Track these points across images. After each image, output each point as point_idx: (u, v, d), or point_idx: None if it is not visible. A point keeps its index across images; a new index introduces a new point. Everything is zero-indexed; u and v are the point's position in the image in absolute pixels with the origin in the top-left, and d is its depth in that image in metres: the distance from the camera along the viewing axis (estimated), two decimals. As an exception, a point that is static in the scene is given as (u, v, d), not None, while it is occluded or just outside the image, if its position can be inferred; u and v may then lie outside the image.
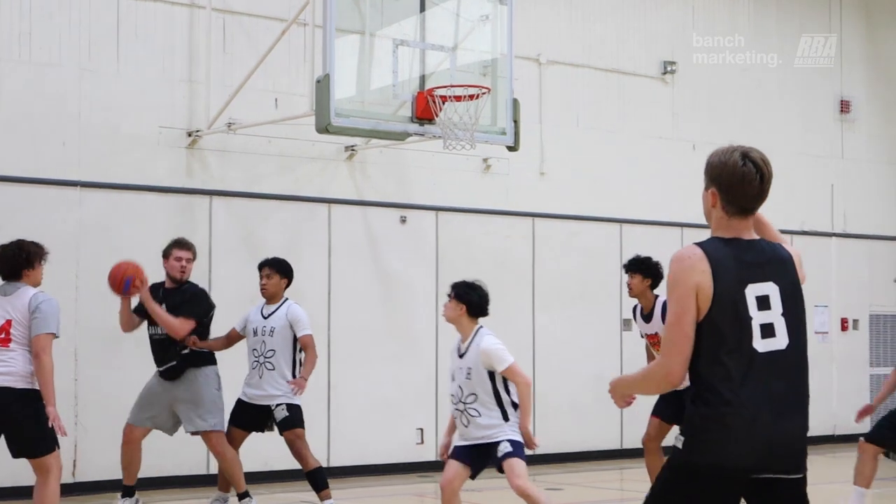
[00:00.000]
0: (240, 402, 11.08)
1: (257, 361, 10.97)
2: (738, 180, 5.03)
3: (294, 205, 14.04)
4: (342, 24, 12.14)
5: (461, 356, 8.95)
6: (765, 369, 4.81)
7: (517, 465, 8.76)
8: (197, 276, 13.22)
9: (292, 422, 10.90)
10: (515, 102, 12.94)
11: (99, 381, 12.66)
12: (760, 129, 18.15)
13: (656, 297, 11.14)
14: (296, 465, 11.48)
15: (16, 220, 12.32)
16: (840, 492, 11.85)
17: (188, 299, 10.93)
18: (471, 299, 9.06)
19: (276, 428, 11.03)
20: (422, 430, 14.69)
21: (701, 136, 17.54)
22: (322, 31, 11.80)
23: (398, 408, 14.50)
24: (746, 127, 17.98)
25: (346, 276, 14.24)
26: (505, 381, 8.85)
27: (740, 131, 17.88)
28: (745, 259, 4.93)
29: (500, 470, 8.89)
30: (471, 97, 12.15)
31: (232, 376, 11.28)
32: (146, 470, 12.82)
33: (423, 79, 12.54)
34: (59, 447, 9.00)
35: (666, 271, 5.21)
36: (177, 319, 10.71)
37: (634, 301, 11.44)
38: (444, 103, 12.17)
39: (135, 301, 10.99)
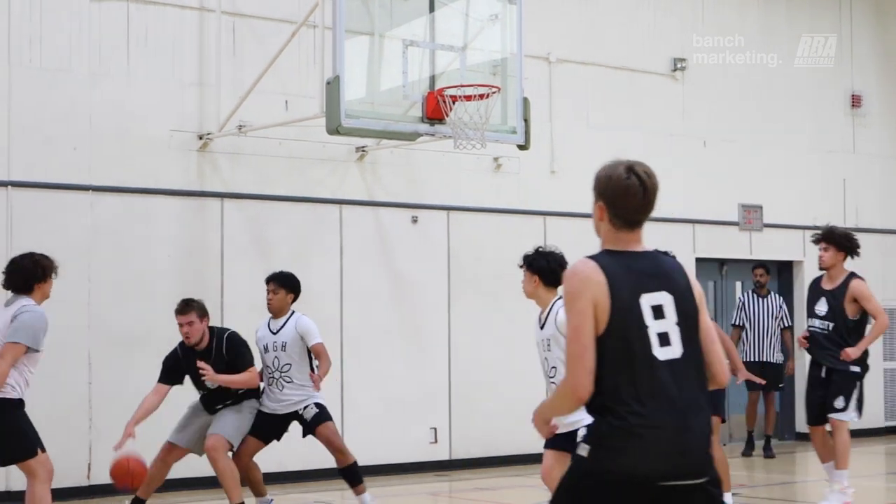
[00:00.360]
0: (260, 414, 10.96)
1: (273, 377, 10.92)
2: (622, 193, 5.12)
3: (305, 206, 14.05)
4: (352, 26, 12.14)
5: (541, 328, 8.65)
6: (666, 377, 4.87)
7: None
8: (209, 278, 13.29)
9: (325, 416, 10.89)
10: (526, 101, 12.94)
11: (112, 384, 12.68)
12: (771, 124, 18.14)
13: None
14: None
15: (28, 225, 12.36)
16: (858, 486, 11.81)
17: (232, 356, 10.72)
18: (541, 266, 8.77)
19: (308, 429, 10.94)
20: (435, 429, 14.70)
21: (711, 133, 17.54)
22: (332, 32, 11.81)
23: (411, 407, 14.51)
24: (756, 123, 17.98)
25: (358, 276, 14.25)
26: None
27: (750, 127, 17.89)
28: (637, 269, 5.03)
29: None
30: (481, 97, 12.15)
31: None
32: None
33: (433, 79, 12.54)
34: (41, 451, 8.95)
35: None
36: (245, 375, 10.63)
37: None
38: (454, 103, 12.17)
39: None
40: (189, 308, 10.69)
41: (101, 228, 12.74)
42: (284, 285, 11.13)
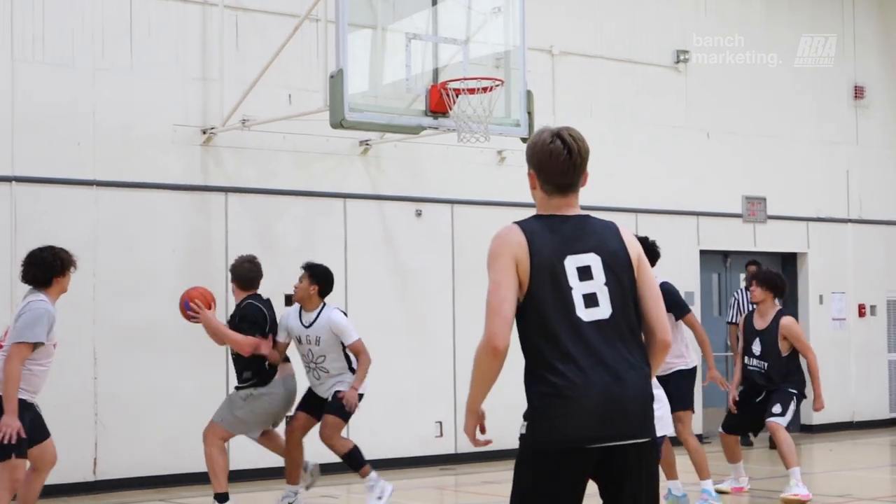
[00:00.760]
0: (310, 390, 11.13)
1: (309, 367, 11.01)
2: (546, 157, 5.08)
3: (309, 200, 14.06)
4: (354, 19, 12.13)
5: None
6: (591, 339, 4.85)
7: None
8: (213, 272, 13.29)
9: (334, 409, 10.90)
10: (529, 94, 12.93)
11: (118, 379, 12.70)
12: (774, 116, 18.14)
13: None
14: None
15: (32, 221, 12.37)
16: (861, 478, 11.84)
17: (235, 321, 10.88)
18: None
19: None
20: (441, 423, 14.71)
21: (714, 125, 17.53)
22: (335, 26, 11.79)
23: (417, 401, 14.51)
24: (760, 114, 17.97)
25: (363, 270, 14.25)
26: None
27: (754, 119, 17.89)
28: (563, 231, 5.01)
29: None
30: (484, 90, 12.14)
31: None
32: (164, 468, 12.91)
33: (436, 72, 12.54)
34: (15, 457, 8.73)
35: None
36: (240, 337, 10.68)
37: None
38: (457, 96, 12.16)
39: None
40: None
41: (105, 223, 12.74)
42: (312, 275, 11.05)
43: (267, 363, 10.81)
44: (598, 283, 4.93)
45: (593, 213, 5.17)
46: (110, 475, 12.67)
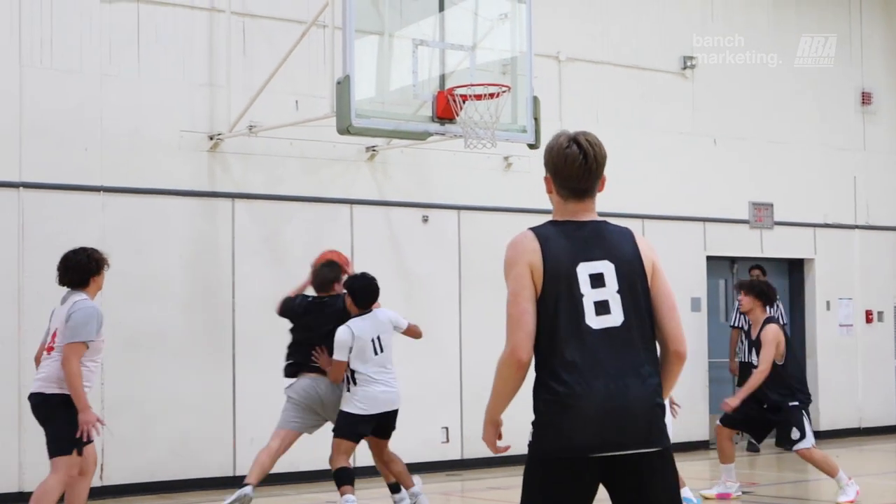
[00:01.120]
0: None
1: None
2: (562, 162, 5.07)
3: (316, 206, 14.07)
4: (361, 26, 12.14)
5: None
6: (598, 347, 4.83)
7: None
8: (221, 278, 13.31)
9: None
10: (536, 100, 12.94)
11: (125, 384, 12.71)
12: (781, 122, 18.13)
13: None
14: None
15: (40, 226, 12.39)
16: (869, 484, 11.83)
17: None
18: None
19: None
20: (447, 428, 14.72)
21: (721, 131, 17.53)
22: (341, 32, 11.80)
23: (423, 407, 14.50)
24: (767, 120, 17.97)
25: (370, 276, 14.24)
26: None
27: (761, 125, 17.89)
28: (577, 238, 4.98)
29: None
30: (491, 96, 12.14)
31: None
32: (171, 473, 12.93)
33: (442, 78, 12.54)
34: (75, 453, 9.06)
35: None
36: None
37: None
38: (464, 102, 12.17)
39: None
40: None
41: (112, 229, 12.75)
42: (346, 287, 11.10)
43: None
44: (611, 291, 4.90)
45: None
46: (117, 480, 12.69)
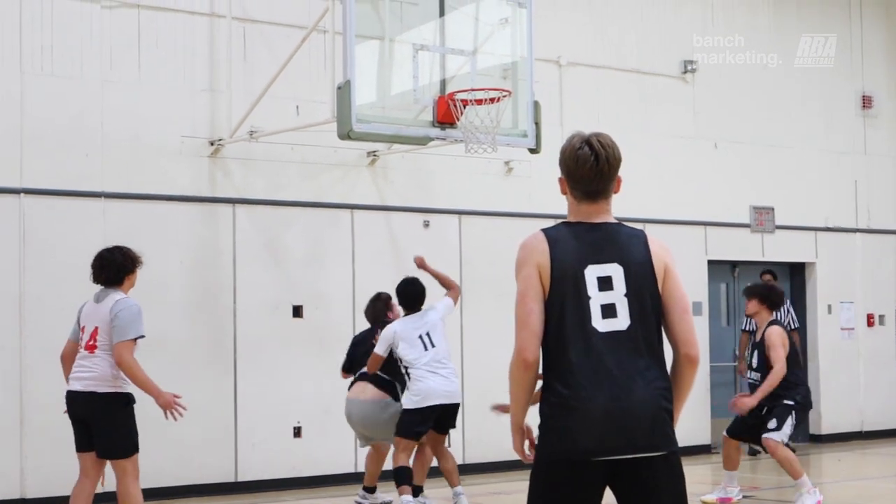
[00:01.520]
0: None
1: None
2: (573, 163, 5.06)
3: (317, 211, 14.07)
4: (362, 31, 12.13)
5: None
6: (603, 350, 4.81)
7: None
8: (222, 284, 13.31)
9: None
10: (536, 105, 12.93)
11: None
12: (782, 125, 18.14)
13: None
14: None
15: (41, 233, 12.40)
16: (870, 487, 11.82)
17: None
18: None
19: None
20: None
21: (722, 135, 17.53)
22: (342, 37, 11.80)
23: (425, 412, 14.48)
24: (768, 124, 17.97)
25: (371, 281, 14.21)
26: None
27: (761, 129, 17.89)
28: (587, 240, 4.97)
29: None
30: (492, 100, 12.14)
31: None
32: (172, 479, 12.91)
33: (443, 83, 12.53)
34: (137, 451, 9.39)
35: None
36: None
37: None
38: (465, 107, 12.16)
39: None
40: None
41: (113, 235, 12.72)
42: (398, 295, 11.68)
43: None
44: (618, 294, 4.89)
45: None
46: (119, 486, 12.66)
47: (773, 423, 11.56)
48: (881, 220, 19.15)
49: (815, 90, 18.53)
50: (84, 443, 9.45)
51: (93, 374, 9.22)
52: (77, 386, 9.30)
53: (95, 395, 9.21)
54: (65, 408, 9.47)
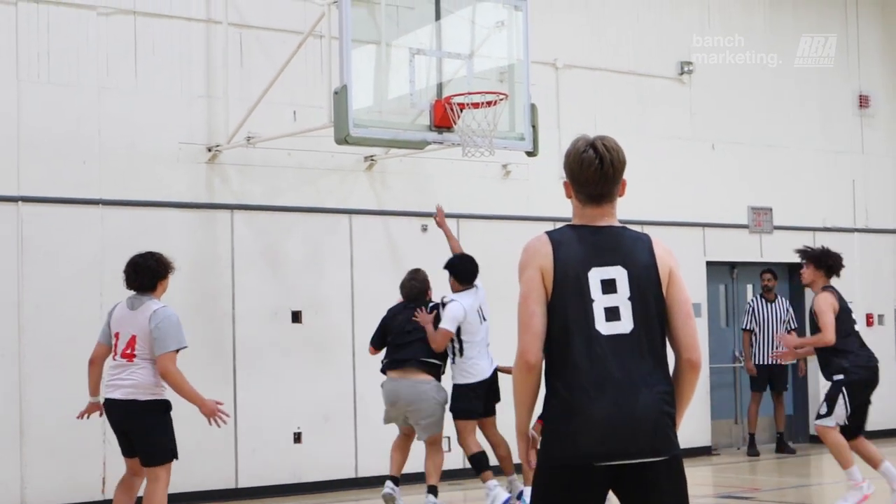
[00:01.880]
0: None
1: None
2: (578, 167, 5.05)
3: (315, 216, 14.06)
4: (358, 35, 12.13)
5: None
6: (606, 354, 4.80)
7: None
8: (220, 290, 13.29)
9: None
10: (533, 107, 12.93)
11: (126, 397, 12.66)
12: (779, 126, 18.14)
13: None
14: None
15: (39, 240, 12.39)
16: (873, 486, 11.78)
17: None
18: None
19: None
20: (448, 437, 14.68)
21: (720, 136, 17.53)
22: (338, 42, 11.80)
23: (425, 416, 14.47)
24: (765, 124, 17.97)
25: (369, 286, 14.24)
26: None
27: (759, 129, 17.89)
28: (592, 243, 4.98)
29: None
30: (488, 104, 12.14)
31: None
32: (172, 486, 12.90)
33: (440, 87, 12.53)
34: (176, 458, 9.54)
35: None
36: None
37: None
38: (461, 111, 12.15)
39: None
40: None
41: (111, 242, 12.74)
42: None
43: None
44: (622, 298, 4.89)
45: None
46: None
47: (823, 409, 11.28)
48: (879, 219, 19.15)
49: (812, 90, 18.53)
50: (126, 449, 9.66)
51: (133, 383, 9.35)
52: (116, 394, 9.43)
53: (136, 402, 9.35)
54: (76, 413, 9.89)
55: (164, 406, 9.48)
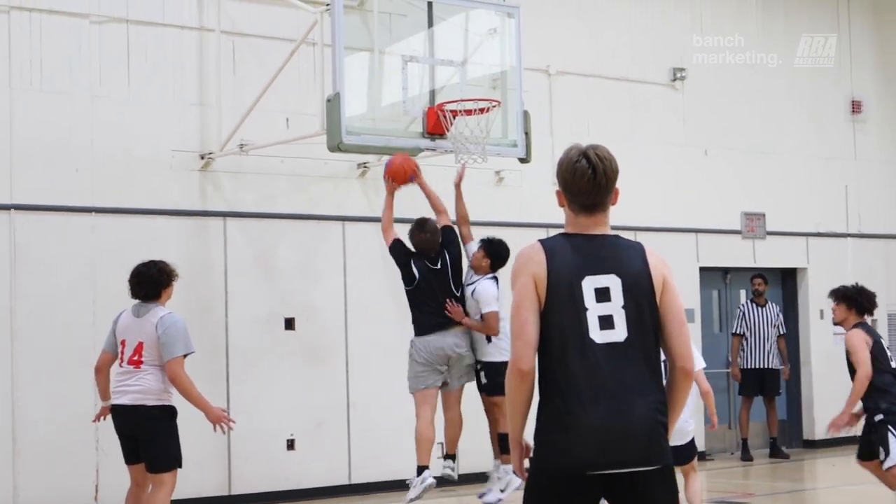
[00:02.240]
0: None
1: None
2: (570, 176, 5.05)
3: (308, 223, 14.06)
4: (351, 42, 12.13)
5: None
6: (600, 362, 4.80)
7: None
8: (213, 297, 13.28)
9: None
10: (526, 114, 12.93)
11: (119, 405, 12.66)
12: (771, 132, 18.16)
13: None
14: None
15: (31, 249, 12.38)
16: (864, 493, 11.81)
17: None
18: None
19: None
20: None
21: (712, 141, 17.55)
22: (331, 49, 11.80)
23: (418, 423, 14.47)
24: (757, 130, 17.99)
25: (363, 292, 14.24)
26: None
27: (751, 135, 17.91)
28: (585, 251, 4.97)
29: None
30: (481, 111, 12.13)
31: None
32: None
33: (433, 94, 12.53)
34: (180, 467, 9.67)
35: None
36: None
37: None
38: (454, 118, 12.16)
39: None
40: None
41: (104, 250, 12.74)
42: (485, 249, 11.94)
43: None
44: (616, 306, 4.88)
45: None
46: (112, 501, 12.63)
47: (882, 454, 10.70)
48: (872, 224, 19.18)
49: (804, 96, 18.56)
50: (131, 455, 9.76)
51: (141, 388, 9.50)
52: (124, 400, 9.58)
53: (143, 408, 9.49)
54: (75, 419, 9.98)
55: (171, 412, 9.63)
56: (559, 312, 4.85)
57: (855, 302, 11.25)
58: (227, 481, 13.25)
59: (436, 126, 12.20)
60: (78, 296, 12.54)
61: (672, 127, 17.19)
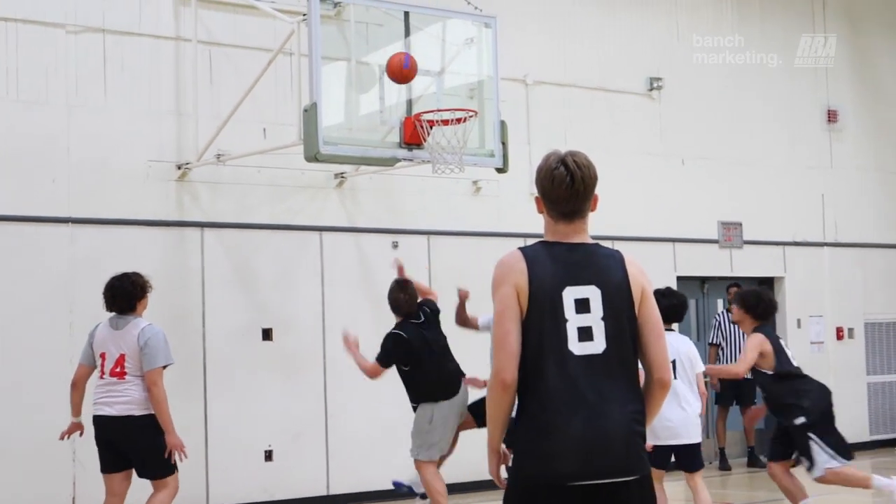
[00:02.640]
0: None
1: None
2: (549, 183, 5.04)
3: (286, 234, 14.03)
4: (328, 52, 12.12)
5: None
6: (578, 374, 4.79)
7: None
8: (191, 308, 13.24)
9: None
10: (503, 124, 12.94)
11: (96, 416, 12.61)
12: (748, 141, 18.21)
13: None
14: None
15: (7, 259, 12.33)
16: (842, 501, 11.82)
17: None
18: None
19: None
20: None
21: (689, 151, 17.59)
22: (308, 59, 11.79)
23: (397, 433, 14.40)
24: (734, 139, 18.04)
25: (341, 303, 14.23)
26: None
27: (728, 144, 17.96)
28: (565, 261, 4.95)
29: None
30: (458, 121, 12.13)
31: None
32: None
33: (409, 104, 12.52)
34: (177, 469, 9.71)
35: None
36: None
37: None
38: (431, 128, 12.15)
39: None
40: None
41: (81, 261, 12.69)
42: None
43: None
44: (595, 317, 4.87)
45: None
46: (89, 513, 12.60)
47: (806, 464, 10.65)
48: (848, 233, 19.24)
49: (780, 105, 18.62)
50: (110, 464, 9.81)
51: (127, 399, 9.58)
52: (109, 411, 9.64)
53: (132, 418, 9.57)
54: (63, 432, 10.13)
55: (156, 420, 9.65)
56: (539, 323, 4.84)
57: (753, 308, 11.30)
58: (204, 493, 13.20)
59: (413, 136, 12.19)
60: (54, 307, 12.49)
61: (649, 136, 17.22)
